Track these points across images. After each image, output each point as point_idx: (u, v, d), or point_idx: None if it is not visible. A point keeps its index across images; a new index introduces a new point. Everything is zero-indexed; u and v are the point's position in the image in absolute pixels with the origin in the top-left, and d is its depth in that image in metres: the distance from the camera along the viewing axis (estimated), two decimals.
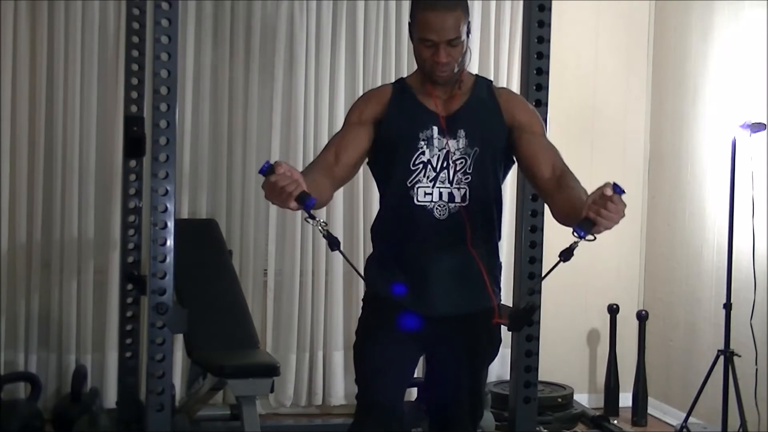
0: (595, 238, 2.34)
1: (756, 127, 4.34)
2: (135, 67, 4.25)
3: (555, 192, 2.62)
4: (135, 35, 4.24)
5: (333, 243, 2.55)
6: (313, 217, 2.44)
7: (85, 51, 4.72)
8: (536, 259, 3.52)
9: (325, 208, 4.67)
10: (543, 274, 2.66)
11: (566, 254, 2.42)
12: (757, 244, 4.48)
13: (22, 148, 4.67)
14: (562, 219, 2.55)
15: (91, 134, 4.75)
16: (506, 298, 3.02)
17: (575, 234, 2.32)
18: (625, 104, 5.46)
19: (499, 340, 2.85)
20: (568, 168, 2.67)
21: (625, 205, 2.29)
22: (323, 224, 2.51)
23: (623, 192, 2.27)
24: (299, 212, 2.46)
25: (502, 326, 2.81)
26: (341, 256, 2.56)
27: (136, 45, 4.24)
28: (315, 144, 4.94)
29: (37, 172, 4.68)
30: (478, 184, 2.70)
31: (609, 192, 2.26)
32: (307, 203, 2.35)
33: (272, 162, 2.37)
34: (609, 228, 2.30)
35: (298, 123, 4.93)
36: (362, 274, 2.82)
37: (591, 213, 2.29)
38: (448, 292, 2.71)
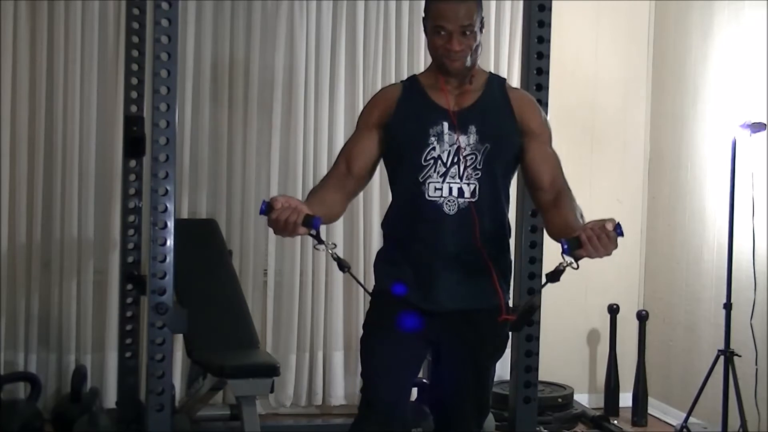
0: (578, 267, 2.44)
1: (756, 127, 4.34)
2: (135, 67, 4.25)
3: (552, 208, 2.71)
4: (135, 35, 4.24)
5: (343, 266, 2.69)
6: (321, 242, 2.58)
7: (85, 51, 4.72)
8: (536, 259, 3.52)
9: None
10: (518, 312, 2.78)
11: (552, 276, 2.53)
12: (757, 244, 4.48)
13: (22, 148, 4.67)
14: (554, 236, 2.64)
15: (91, 134, 4.75)
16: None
17: (563, 250, 2.42)
18: (625, 104, 5.46)
19: (507, 338, 2.86)
20: (567, 184, 2.75)
21: (616, 247, 2.39)
22: (332, 247, 2.63)
23: (622, 235, 2.38)
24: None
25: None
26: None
27: (136, 45, 4.24)
28: (315, 144, 4.95)
29: (37, 172, 4.68)
30: (487, 180, 2.72)
31: (609, 227, 2.38)
32: (314, 225, 2.48)
33: (268, 200, 2.48)
34: (591, 257, 2.40)
35: (298, 123, 4.93)
36: (370, 291, 2.85)
37: (584, 235, 2.39)
38: (454, 287, 2.72)
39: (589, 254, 2.40)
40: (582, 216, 2.62)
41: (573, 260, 2.43)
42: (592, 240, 2.38)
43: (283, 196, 2.49)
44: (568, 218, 2.61)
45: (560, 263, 2.47)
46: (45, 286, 4.72)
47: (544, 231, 3.45)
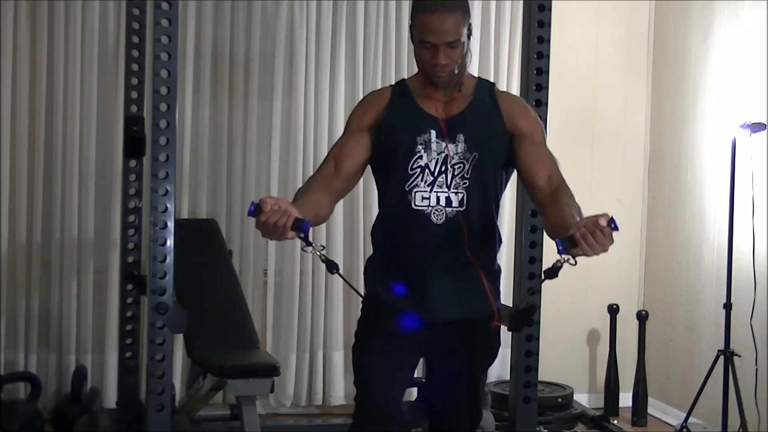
0: (576, 263, 2.34)
1: (756, 127, 4.34)
2: (135, 67, 4.25)
3: (549, 204, 2.61)
4: (135, 35, 4.24)
5: (331, 267, 2.63)
6: (310, 244, 2.48)
7: (85, 51, 4.72)
8: (536, 259, 3.52)
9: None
10: (530, 290, 2.70)
11: (550, 273, 2.45)
12: (757, 244, 4.48)
13: (22, 148, 4.67)
14: (551, 232, 2.53)
15: (91, 134, 4.75)
16: (506, 298, 3.02)
17: (558, 251, 2.34)
18: (625, 104, 5.46)
19: (498, 344, 2.85)
20: (564, 181, 2.67)
21: (612, 242, 2.27)
22: (320, 249, 2.55)
23: (617, 229, 2.26)
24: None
25: (501, 328, 2.81)
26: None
27: (136, 45, 4.24)
28: (315, 144, 4.95)
29: (37, 172, 4.68)
30: (476, 189, 2.69)
31: (603, 222, 2.26)
32: (303, 229, 2.38)
33: (257, 201, 2.37)
34: (588, 255, 2.29)
35: (298, 123, 4.93)
36: (362, 294, 2.83)
37: (577, 233, 2.28)
38: (445, 297, 2.69)
39: (585, 252, 2.29)
40: (579, 212, 2.50)
41: (570, 257, 2.34)
42: (587, 238, 2.26)
43: (272, 197, 2.38)
44: (563, 213, 2.50)
45: (557, 260, 2.39)
46: (45, 286, 4.72)
47: (543, 231, 3.47)
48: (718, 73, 4.91)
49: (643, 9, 5.44)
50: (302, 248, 2.50)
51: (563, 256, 2.35)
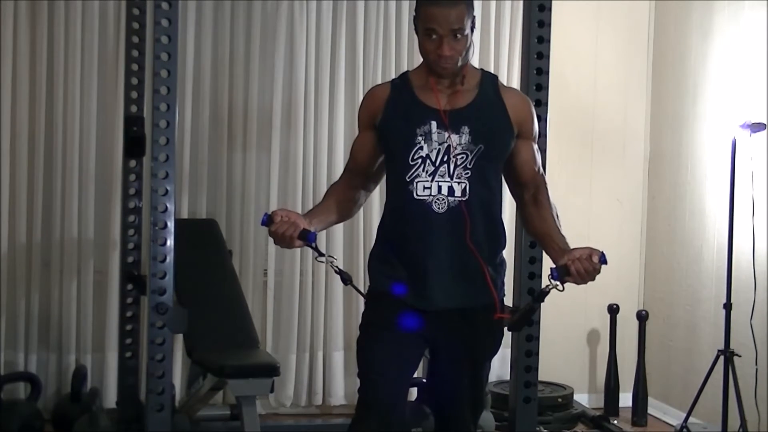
0: (564, 289, 2.60)
1: (756, 127, 4.34)
2: (135, 67, 4.25)
3: (531, 206, 2.82)
4: (135, 35, 4.24)
5: (345, 278, 2.79)
6: (322, 254, 2.72)
7: (85, 51, 4.72)
8: (536, 259, 3.52)
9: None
10: (518, 313, 2.80)
11: (539, 297, 2.68)
12: (757, 244, 4.48)
13: (22, 148, 4.67)
14: (532, 236, 2.94)
15: (91, 134, 4.75)
16: (506, 298, 3.02)
17: (550, 277, 2.59)
18: (625, 104, 5.45)
19: (501, 335, 2.87)
20: (544, 179, 2.86)
21: (599, 273, 2.57)
22: (332, 259, 2.77)
23: (606, 263, 2.57)
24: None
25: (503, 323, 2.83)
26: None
27: (136, 45, 4.24)
28: (315, 144, 4.95)
29: (37, 172, 4.68)
30: (478, 179, 2.72)
31: (596, 259, 2.55)
32: (308, 239, 2.64)
33: (270, 213, 2.65)
34: (577, 284, 2.58)
35: (298, 123, 4.93)
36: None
37: (573, 267, 2.55)
38: (446, 286, 2.73)
39: (575, 282, 2.57)
40: (557, 217, 2.77)
41: (559, 283, 2.59)
42: (581, 271, 2.55)
43: (283, 209, 2.64)
44: (551, 229, 2.74)
45: (546, 285, 2.61)
46: (45, 286, 4.72)
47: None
48: (718, 73, 4.91)
49: (643, 9, 5.44)
50: (316, 259, 2.74)
51: (553, 281, 2.60)
